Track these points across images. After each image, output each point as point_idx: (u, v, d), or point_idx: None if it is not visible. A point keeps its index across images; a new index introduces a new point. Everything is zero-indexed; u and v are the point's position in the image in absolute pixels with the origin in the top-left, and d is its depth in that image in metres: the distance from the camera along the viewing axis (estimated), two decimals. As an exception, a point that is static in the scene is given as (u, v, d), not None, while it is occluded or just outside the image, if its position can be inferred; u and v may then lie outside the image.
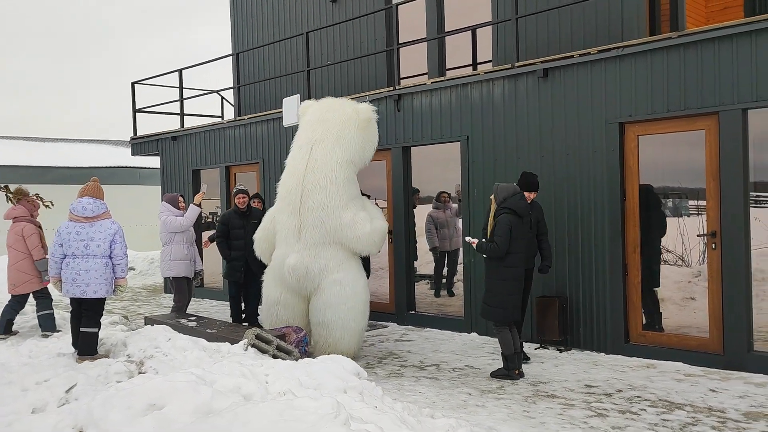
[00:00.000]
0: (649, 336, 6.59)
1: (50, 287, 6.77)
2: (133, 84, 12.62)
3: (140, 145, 12.96)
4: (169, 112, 12.88)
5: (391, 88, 8.63)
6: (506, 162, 7.55)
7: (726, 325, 6.03)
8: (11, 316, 7.92)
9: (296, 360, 5.70)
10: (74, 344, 6.31)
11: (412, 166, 8.62)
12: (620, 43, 6.63)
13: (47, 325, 7.82)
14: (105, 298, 6.28)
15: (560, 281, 7.09)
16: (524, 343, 6.65)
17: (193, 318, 7.39)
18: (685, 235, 6.43)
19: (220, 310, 10.08)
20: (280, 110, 9.66)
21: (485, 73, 7.66)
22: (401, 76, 9.82)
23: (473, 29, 8.86)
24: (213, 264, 11.01)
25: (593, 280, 6.85)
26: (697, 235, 6.29)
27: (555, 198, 7.11)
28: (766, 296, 5.94)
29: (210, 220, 11.83)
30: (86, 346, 6.14)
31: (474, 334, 7.81)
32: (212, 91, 12.89)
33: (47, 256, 7.41)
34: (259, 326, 8.14)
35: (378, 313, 8.87)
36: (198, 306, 10.76)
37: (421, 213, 8.65)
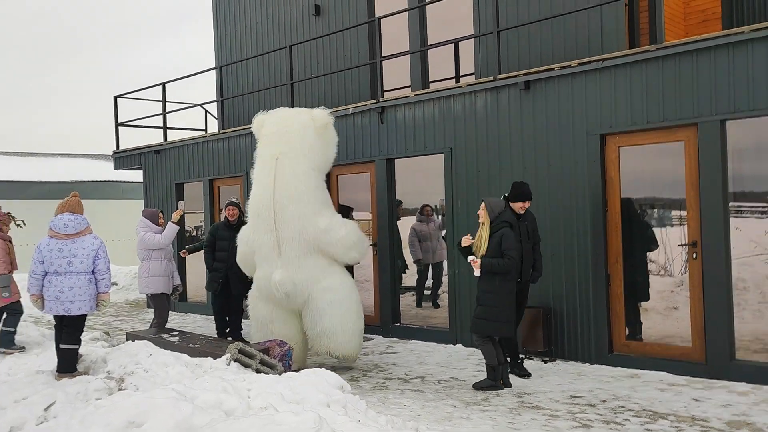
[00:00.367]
0: (633, 346, 6.61)
1: (31, 304, 6.68)
2: (115, 98, 12.54)
3: (123, 158, 12.87)
4: (152, 125, 12.82)
5: (374, 101, 8.66)
6: (489, 173, 7.58)
7: (708, 335, 6.07)
8: None
9: (279, 374, 5.65)
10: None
11: (397, 178, 8.62)
12: (600, 56, 6.70)
13: (3, 341, 7.65)
14: (86, 315, 6.20)
15: (544, 292, 7.10)
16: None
17: (176, 333, 7.31)
18: (667, 244, 6.48)
19: (204, 325, 9.98)
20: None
21: (468, 85, 7.71)
22: (384, 89, 9.86)
23: (455, 42, 8.93)
24: (197, 278, 10.92)
25: (577, 291, 6.88)
26: (679, 245, 6.35)
27: (537, 209, 7.12)
28: (747, 305, 6.00)
29: (195, 233, 11.76)
30: (66, 363, 6.04)
31: (459, 346, 7.80)
32: (196, 105, 12.86)
33: (8, 273, 7.31)
34: (243, 340, 8.08)
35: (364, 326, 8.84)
36: (182, 321, 10.66)
37: (405, 225, 8.66)
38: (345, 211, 8.56)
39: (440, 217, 8.32)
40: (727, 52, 5.92)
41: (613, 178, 6.72)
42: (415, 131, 8.26)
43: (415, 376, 6.60)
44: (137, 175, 21.34)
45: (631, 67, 6.49)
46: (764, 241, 5.87)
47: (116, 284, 14.44)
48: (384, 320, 8.65)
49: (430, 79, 9.60)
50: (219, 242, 8.03)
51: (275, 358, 6.28)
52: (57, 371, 6.04)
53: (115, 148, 12.91)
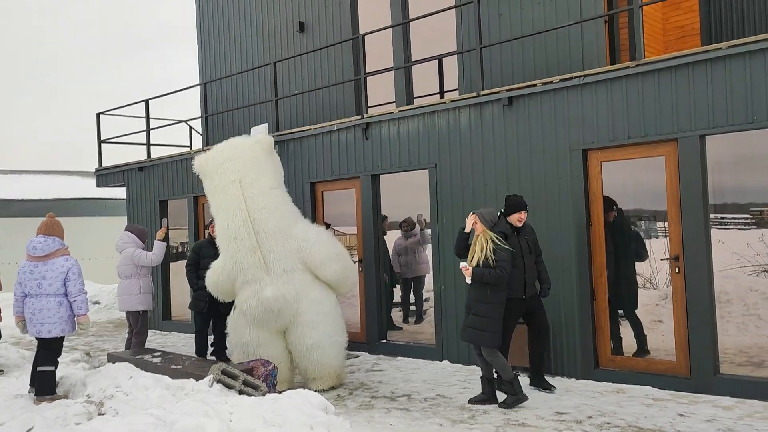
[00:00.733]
0: (618, 360, 6.61)
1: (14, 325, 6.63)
2: (98, 115, 12.46)
3: (105, 176, 12.76)
4: (136, 142, 12.73)
5: (359, 117, 8.66)
6: (474, 188, 7.59)
7: (692, 349, 6.08)
8: None
9: (263, 395, 5.57)
10: (32, 383, 6.12)
11: (384, 193, 8.61)
12: (581, 72, 6.76)
13: None
14: (63, 337, 6.11)
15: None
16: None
17: (158, 353, 7.20)
18: (651, 257, 6.51)
19: (188, 344, 9.86)
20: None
21: (451, 101, 7.75)
22: (369, 105, 9.89)
23: (439, 58, 8.98)
24: (183, 295, 10.81)
25: (562, 306, 6.88)
26: (662, 260, 6.37)
27: (522, 224, 7.15)
28: (731, 318, 6.02)
29: (181, 250, 11.65)
30: (43, 386, 5.95)
31: (446, 362, 7.76)
32: (180, 121, 12.80)
33: None
34: (227, 360, 7.99)
35: (349, 343, 8.77)
36: (165, 339, 10.53)
37: (391, 239, 8.64)
38: None
39: (420, 231, 8.33)
40: (705, 68, 6.00)
41: (596, 193, 6.76)
42: (400, 147, 8.27)
43: (401, 394, 6.55)
44: (120, 192, 21.21)
45: (611, 83, 6.55)
46: (747, 253, 5.91)
47: (98, 303, 14.25)
48: (370, 337, 8.60)
49: (415, 95, 9.63)
50: (203, 260, 7.93)
51: (260, 378, 6.21)
52: (35, 394, 5.94)
53: (98, 165, 12.80)
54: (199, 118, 11.67)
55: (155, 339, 10.50)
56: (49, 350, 6.03)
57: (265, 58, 11.43)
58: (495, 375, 6.09)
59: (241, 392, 5.59)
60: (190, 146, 13.27)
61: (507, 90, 7.25)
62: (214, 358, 8.30)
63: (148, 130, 11.80)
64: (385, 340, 8.53)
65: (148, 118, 11.72)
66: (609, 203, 6.73)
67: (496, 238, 5.86)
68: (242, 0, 12.00)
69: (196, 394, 5.23)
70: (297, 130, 9.32)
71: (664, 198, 6.33)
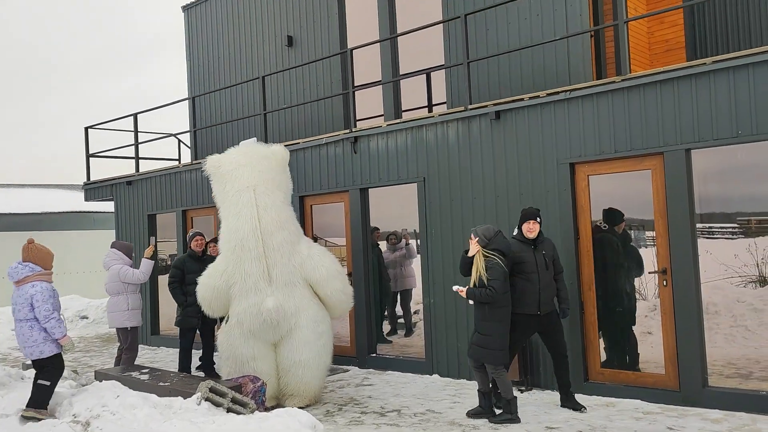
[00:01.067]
0: (608, 374, 6.62)
1: None
2: (86, 129, 12.41)
3: (93, 190, 12.69)
4: (124, 156, 12.69)
5: (347, 131, 8.68)
6: (462, 202, 7.61)
7: (680, 362, 6.10)
8: None
9: (252, 412, 5.54)
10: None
11: (374, 204, 8.62)
12: (567, 87, 6.81)
13: None
14: (52, 357, 6.07)
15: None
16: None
17: (146, 370, 7.13)
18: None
19: (176, 360, 9.77)
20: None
21: (439, 115, 7.78)
22: (357, 119, 9.91)
23: (427, 72, 9.03)
24: (171, 310, 10.73)
25: (551, 319, 6.87)
26: (649, 272, 6.40)
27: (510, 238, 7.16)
28: (719, 329, 6.05)
29: (170, 263, 11.60)
30: (34, 397, 5.97)
31: (436, 376, 7.74)
32: (169, 135, 12.77)
33: None
34: (215, 375, 7.93)
35: (339, 357, 8.74)
36: (154, 355, 10.45)
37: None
38: None
39: (406, 245, 8.33)
40: (689, 83, 6.06)
41: (583, 206, 6.79)
42: (389, 160, 8.29)
43: (391, 409, 6.52)
44: (109, 206, 21.09)
45: (597, 97, 6.61)
46: (734, 264, 5.96)
47: (87, 318, 14.13)
48: (360, 351, 8.57)
49: (403, 109, 9.67)
50: (189, 275, 7.88)
51: (248, 395, 6.16)
52: (26, 404, 5.96)
53: (86, 179, 12.73)
54: (187, 132, 11.65)
55: (143, 354, 10.41)
56: (40, 369, 6.05)
57: (254, 72, 11.45)
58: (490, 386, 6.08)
59: (229, 410, 5.54)
60: (179, 160, 13.23)
61: (494, 104, 7.29)
62: (202, 373, 8.24)
63: (136, 144, 11.76)
64: (374, 354, 8.50)
65: (136, 131, 11.69)
66: (619, 216, 6.62)
67: (491, 254, 5.84)
68: (231, 14, 12.03)
69: (183, 413, 5.18)
70: (286, 143, 9.32)
71: (651, 210, 6.37)
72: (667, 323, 6.24)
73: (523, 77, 8.08)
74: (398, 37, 9.44)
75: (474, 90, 8.31)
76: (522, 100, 7.09)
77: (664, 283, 6.27)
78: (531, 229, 6.06)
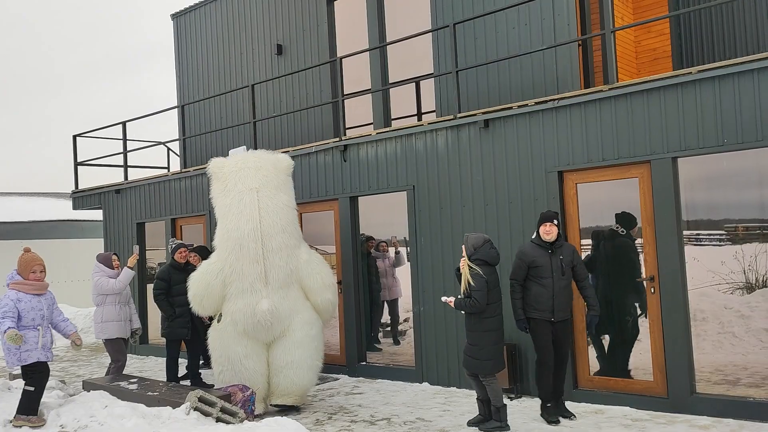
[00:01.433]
0: (597, 381, 6.64)
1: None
2: (74, 137, 12.36)
3: (82, 198, 12.62)
4: (113, 164, 12.63)
5: (337, 139, 8.69)
6: (452, 210, 7.64)
7: (669, 369, 6.13)
8: None
9: (241, 422, 5.51)
10: None
11: (365, 213, 8.62)
12: (555, 96, 6.87)
13: None
14: (36, 362, 6.05)
15: (509, 329, 7.11)
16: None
17: (134, 380, 7.08)
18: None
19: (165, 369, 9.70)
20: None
21: (429, 123, 7.81)
22: (347, 127, 9.93)
23: (416, 81, 9.07)
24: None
25: (540, 327, 6.89)
26: (637, 280, 6.44)
27: (499, 246, 7.19)
28: (707, 336, 6.09)
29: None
30: (20, 405, 5.96)
31: (426, 384, 7.74)
32: (158, 143, 12.74)
33: None
34: (203, 385, 7.89)
35: (329, 366, 8.72)
36: (142, 364, 10.37)
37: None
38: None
39: (395, 252, 8.34)
40: (675, 92, 6.13)
41: (572, 215, 6.83)
42: (378, 169, 8.30)
43: (381, 417, 6.51)
44: (97, 214, 20.96)
45: (585, 106, 6.67)
46: (721, 271, 6.01)
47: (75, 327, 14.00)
48: (350, 359, 8.55)
49: (393, 117, 9.70)
50: (175, 286, 7.88)
51: (237, 404, 6.14)
52: (15, 413, 5.95)
53: (74, 188, 12.66)
54: (177, 140, 11.63)
55: (132, 364, 10.34)
56: (25, 376, 6.07)
57: (244, 80, 11.45)
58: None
59: (218, 419, 5.51)
60: (168, 168, 13.19)
61: (483, 113, 7.33)
62: (188, 382, 8.19)
63: (125, 152, 11.72)
64: (364, 362, 8.49)
65: (125, 139, 11.65)
66: (633, 219, 6.47)
67: (471, 265, 5.82)
68: (220, 22, 12.04)
69: (172, 422, 5.15)
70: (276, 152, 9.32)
71: (639, 218, 6.42)
72: (655, 330, 6.28)
73: (511, 86, 8.14)
74: (387, 46, 9.48)
75: (463, 98, 8.36)
76: (510, 108, 7.14)
77: (652, 290, 6.31)
78: (548, 232, 5.91)
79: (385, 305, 8.51)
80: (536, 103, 6.95)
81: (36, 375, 6.04)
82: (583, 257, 6.67)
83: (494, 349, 5.83)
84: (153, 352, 11.07)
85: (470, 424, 6.02)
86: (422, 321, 7.82)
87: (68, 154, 61.69)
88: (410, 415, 6.53)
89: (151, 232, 11.47)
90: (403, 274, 8.26)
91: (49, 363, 6.18)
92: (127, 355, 8.08)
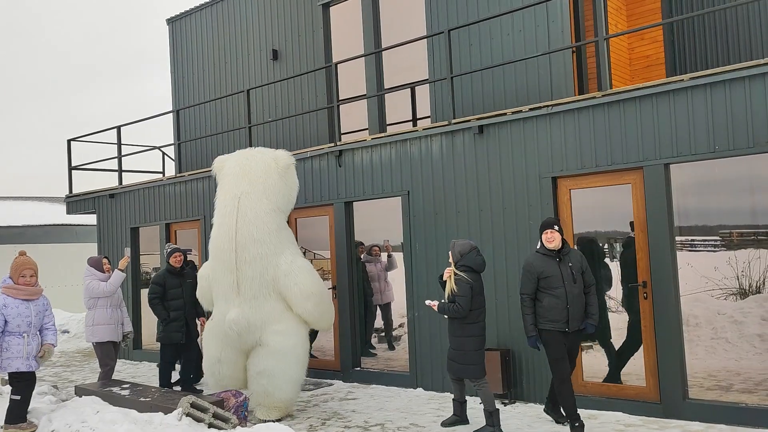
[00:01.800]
0: (590, 386, 6.65)
1: None
2: (69, 141, 12.34)
3: (76, 203, 12.59)
4: (107, 169, 12.61)
5: (332, 144, 8.70)
6: (446, 215, 7.65)
7: (661, 375, 6.15)
8: None
9: (234, 427, 5.50)
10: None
11: (360, 218, 8.62)
12: (549, 102, 6.90)
13: None
14: (15, 373, 6.05)
15: (502, 334, 7.13)
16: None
17: (127, 386, 7.05)
18: (620, 279, 6.58)
19: (158, 374, 9.67)
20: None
21: (423, 129, 7.83)
22: (342, 132, 9.94)
23: (411, 87, 9.09)
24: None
25: (534, 332, 6.90)
26: (629, 286, 6.46)
27: (494, 251, 7.21)
28: (700, 341, 6.11)
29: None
30: (8, 413, 5.94)
31: (420, 390, 7.73)
32: (153, 147, 12.72)
33: None
34: (195, 390, 7.86)
35: (323, 371, 8.71)
36: (135, 370, 10.33)
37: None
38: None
39: (388, 256, 8.35)
40: (668, 99, 6.17)
41: (565, 220, 6.85)
42: (373, 174, 8.31)
43: (374, 423, 6.50)
44: (91, 219, 20.91)
45: (579, 112, 6.70)
46: (715, 276, 6.03)
47: (68, 332, 13.96)
48: (344, 365, 8.53)
49: (388, 122, 9.72)
50: (170, 291, 7.91)
51: (230, 410, 6.12)
52: (3, 423, 5.93)
53: (68, 192, 12.63)
54: (172, 144, 11.63)
55: (125, 369, 10.30)
56: (11, 383, 6.03)
57: (239, 85, 11.46)
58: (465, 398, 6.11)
59: (210, 425, 5.49)
60: (163, 173, 13.17)
61: (478, 119, 7.36)
62: (179, 388, 8.16)
63: (119, 157, 11.70)
64: (359, 368, 8.48)
65: (120, 144, 11.64)
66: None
67: (456, 271, 5.86)
68: (216, 27, 12.06)
69: (164, 428, 5.13)
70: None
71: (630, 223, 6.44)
72: (648, 336, 6.29)
73: (506, 92, 8.17)
74: (383, 52, 9.51)
75: (458, 104, 8.39)
76: (505, 114, 7.17)
77: (645, 295, 6.33)
78: (550, 239, 5.68)
79: (378, 309, 8.52)
80: (531, 109, 6.98)
81: (21, 383, 6.00)
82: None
83: (476, 354, 5.87)
84: (146, 358, 11.03)
85: (444, 424, 6.06)
86: (417, 327, 7.82)
87: (62, 159, 61.44)
88: (404, 420, 6.53)
89: (145, 236, 11.45)
90: (396, 279, 8.27)
91: (35, 371, 6.13)
92: (120, 360, 8.03)
